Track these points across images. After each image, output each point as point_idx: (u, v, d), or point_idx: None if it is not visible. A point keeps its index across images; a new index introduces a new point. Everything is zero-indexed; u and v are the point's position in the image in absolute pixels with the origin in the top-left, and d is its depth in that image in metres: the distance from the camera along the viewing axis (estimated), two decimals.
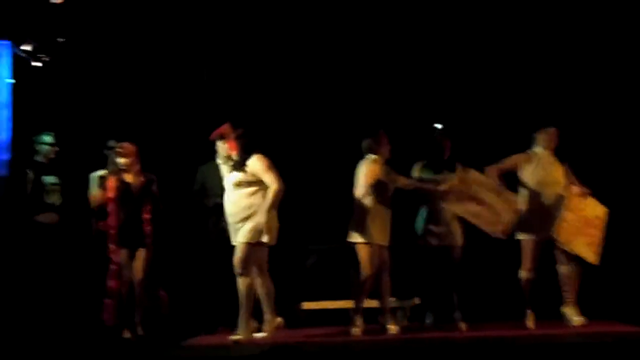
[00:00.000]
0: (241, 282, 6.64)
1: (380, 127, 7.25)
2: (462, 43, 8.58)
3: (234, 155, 6.78)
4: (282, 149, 7.66)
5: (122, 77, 8.17)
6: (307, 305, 8.05)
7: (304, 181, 8.29)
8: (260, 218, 6.54)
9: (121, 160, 7.29)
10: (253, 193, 6.65)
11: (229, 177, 6.79)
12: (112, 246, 7.22)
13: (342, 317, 7.41)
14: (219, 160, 7.49)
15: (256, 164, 6.65)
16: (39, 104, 7.82)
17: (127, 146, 7.33)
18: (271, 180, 6.60)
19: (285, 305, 7.55)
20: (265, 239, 6.58)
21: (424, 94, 8.62)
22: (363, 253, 7.03)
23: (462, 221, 7.26)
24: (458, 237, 7.33)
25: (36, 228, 7.38)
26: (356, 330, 7.01)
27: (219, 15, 8.30)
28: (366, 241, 7.02)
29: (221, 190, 7.13)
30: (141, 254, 7.31)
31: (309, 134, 8.56)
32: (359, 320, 7.07)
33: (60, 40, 7.80)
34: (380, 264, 7.11)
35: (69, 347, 6.77)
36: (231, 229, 6.77)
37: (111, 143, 7.39)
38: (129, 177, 7.32)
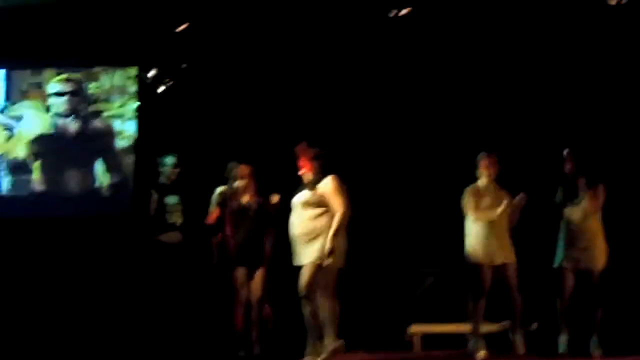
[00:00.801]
0: (305, 305, 6.54)
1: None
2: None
3: (307, 175, 6.72)
4: (389, 170, 7.66)
5: (241, 99, 8.33)
6: (417, 328, 7.98)
7: (411, 203, 8.24)
8: (326, 241, 6.43)
9: (237, 182, 7.50)
10: (320, 214, 6.50)
11: (298, 197, 6.69)
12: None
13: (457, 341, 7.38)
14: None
15: (328, 185, 6.52)
16: (164, 127, 8.09)
17: (243, 168, 7.50)
18: (337, 205, 6.44)
19: (396, 328, 7.57)
20: (330, 260, 6.46)
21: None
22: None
23: None
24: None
25: (159, 248, 7.65)
26: (481, 354, 6.93)
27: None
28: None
29: None
30: (260, 273, 7.47)
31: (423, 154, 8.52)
32: (480, 343, 7.00)
33: (184, 66, 8.07)
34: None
35: None
36: (297, 249, 6.64)
37: (231, 164, 7.63)
38: (245, 198, 7.49)
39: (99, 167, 8.40)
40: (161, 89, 8.16)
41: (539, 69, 8.17)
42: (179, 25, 8.07)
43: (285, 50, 8.20)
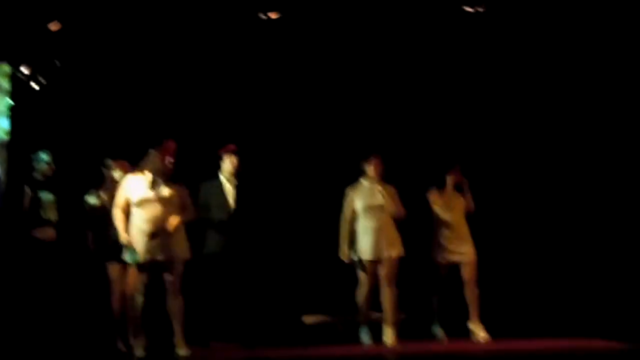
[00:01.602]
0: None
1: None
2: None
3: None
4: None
5: (117, 97, 8.47)
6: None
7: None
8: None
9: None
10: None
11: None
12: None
13: None
14: (223, 177, 7.83)
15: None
16: (38, 124, 8.13)
17: (122, 163, 7.65)
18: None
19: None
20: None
21: None
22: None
23: None
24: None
25: (33, 243, 7.67)
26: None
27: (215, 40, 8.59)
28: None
29: (225, 206, 7.57)
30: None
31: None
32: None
33: (58, 64, 8.13)
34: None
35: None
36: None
37: (108, 161, 7.74)
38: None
39: None
40: (35, 86, 8.16)
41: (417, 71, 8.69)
42: (52, 23, 8.12)
43: (158, 48, 8.39)
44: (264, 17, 8.23)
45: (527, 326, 8.16)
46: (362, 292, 7.66)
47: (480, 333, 7.74)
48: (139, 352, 7.02)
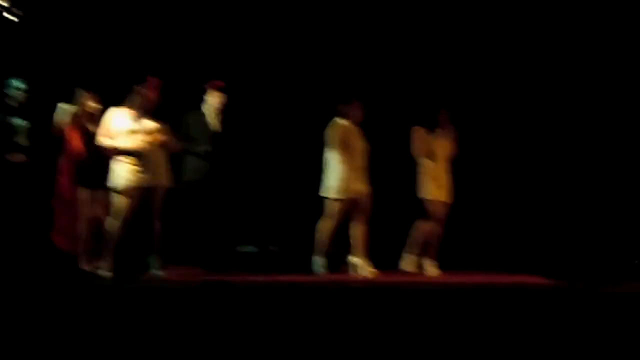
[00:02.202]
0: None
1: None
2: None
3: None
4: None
5: (93, 26, 8.83)
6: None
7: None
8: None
9: (88, 106, 7.94)
10: None
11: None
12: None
13: None
14: (205, 110, 8.20)
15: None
16: (12, 53, 8.47)
17: (93, 95, 7.93)
18: None
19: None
20: None
21: None
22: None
23: None
24: None
25: (4, 166, 8.05)
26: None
27: None
28: None
29: (208, 138, 8.02)
30: (104, 193, 7.81)
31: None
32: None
33: None
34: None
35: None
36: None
37: (79, 90, 7.99)
38: (90, 123, 7.93)
39: None
40: (12, 18, 8.49)
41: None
42: None
43: None
44: None
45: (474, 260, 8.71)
46: (330, 227, 8.11)
47: (432, 269, 8.30)
48: (105, 272, 7.49)
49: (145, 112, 7.53)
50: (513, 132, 9.19)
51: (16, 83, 8.09)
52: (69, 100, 8.01)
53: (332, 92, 8.65)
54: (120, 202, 7.54)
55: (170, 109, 7.82)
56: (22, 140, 8.09)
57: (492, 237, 8.96)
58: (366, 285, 7.66)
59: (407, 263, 8.37)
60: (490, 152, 9.20)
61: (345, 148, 8.01)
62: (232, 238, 8.72)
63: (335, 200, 8.06)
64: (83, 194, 7.95)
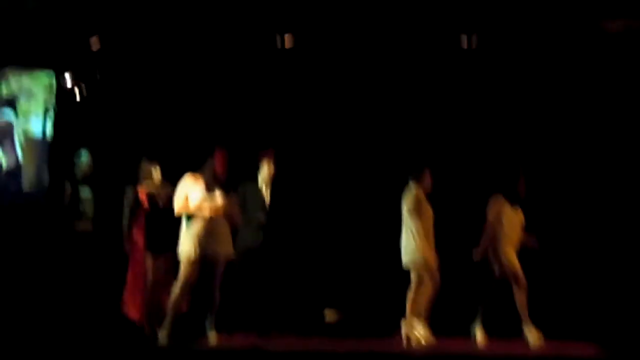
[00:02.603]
0: None
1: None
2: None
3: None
4: None
5: (154, 103, 9.23)
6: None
7: None
8: None
9: (154, 180, 8.24)
10: None
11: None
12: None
13: None
14: (261, 179, 8.36)
15: None
16: (80, 127, 8.94)
17: (157, 168, 8.23)
18: None
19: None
20: None
21: None
22: None
23: None
24: None
25: (72, 235, 8.42)
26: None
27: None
28: None
29: (261, 207, 8.26)
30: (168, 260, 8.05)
31: None
32: None
33: (98, 76, 8.98)
34: None
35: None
36: None
37: (144, 161, 8.29)
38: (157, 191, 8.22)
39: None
40: (77, 93, 8.99)
41: None
42: (93, 40, 8.96)
43: (191, 60, 9.13)
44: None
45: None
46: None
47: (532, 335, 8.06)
48: (163, 339, 7.70)
49: (216, 182, 7.84)
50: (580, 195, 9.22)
51: (84, 155, 8.53)
52: (134, 172, 8.36)
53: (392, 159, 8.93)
54: (184, 269, 7.77)
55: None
56: (88, 209, 8.49)
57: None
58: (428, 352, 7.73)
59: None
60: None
61: (418, 215, 8.09)
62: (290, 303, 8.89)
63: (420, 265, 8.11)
64: (150, 260, 8.22)
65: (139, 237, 8.20)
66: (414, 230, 7.95)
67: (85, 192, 8.52)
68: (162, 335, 7.70)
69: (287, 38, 8.98)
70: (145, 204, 8.14)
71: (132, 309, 8.20)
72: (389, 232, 8.20)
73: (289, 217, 8.45)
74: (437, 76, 9.25)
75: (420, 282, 7.94)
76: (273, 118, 9.35)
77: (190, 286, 7.75)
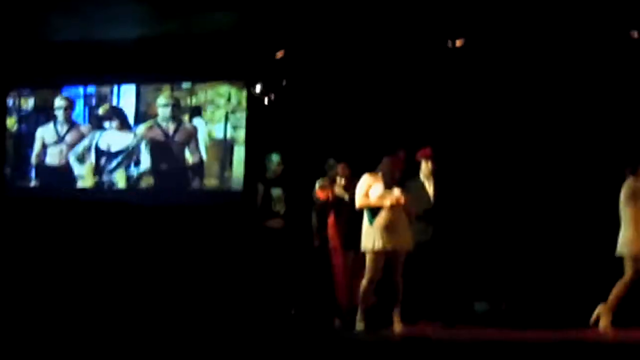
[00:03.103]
0: None
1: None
2: None
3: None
4: None
5: (330, 108, 9.75)
6: None
7: None
8: None
9: (338, 179, 8.73)
10: None
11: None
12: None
13: None
14: (422, 176, 8.74)
15: None
16: (272, 131, 9.61)
17: (343, 167, 8.71)
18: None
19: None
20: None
21: None
22: None
23: None
24: None
25: (265, 232, 9.02)
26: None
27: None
28: None
29: (425, 203, 8.60)
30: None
31: None
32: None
33: (284, 82, 9.62)
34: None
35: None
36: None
37: (330, 161, 8.83)
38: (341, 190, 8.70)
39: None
40: (266, 101, 9.69)
41: None
42: (279, 52, 9.67)
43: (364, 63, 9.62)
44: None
45: None
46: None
47: None
48: (360, 326, 8.16)
49: (394, 179, 8.23)
50: None
51: (274, 157, 9.13)
52: (321, 170, 8.90)
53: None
54: (370, 261, 8.17)
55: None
56: (279, 207, 9.10)
57: None
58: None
59: None
60: None
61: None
62: (466, 295, 9.10)
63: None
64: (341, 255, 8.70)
65: (332, 233, 8.70)
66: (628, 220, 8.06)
67: (277, 192, 9.12)
68: (359, 325, 8.16)
69: (458, 40, 9.32)
70: (324, 200, 8.66)
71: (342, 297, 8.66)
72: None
73: (454, 211, 8.72)
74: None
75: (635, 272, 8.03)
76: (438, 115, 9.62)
77: (377, 278, 8.14)
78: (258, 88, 9.78)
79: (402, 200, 8.11)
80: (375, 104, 9.62)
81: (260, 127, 9.75)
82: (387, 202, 8.06)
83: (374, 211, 8.10)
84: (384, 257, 8.11)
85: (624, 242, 8.04)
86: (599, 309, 8.10)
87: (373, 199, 8.13)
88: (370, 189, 8.15)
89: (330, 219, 8.72)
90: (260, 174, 9.20)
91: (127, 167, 10.64)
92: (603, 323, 8.04)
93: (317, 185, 8.80)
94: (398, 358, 7.11)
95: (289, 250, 9.05)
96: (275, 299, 8.90)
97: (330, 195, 8.71)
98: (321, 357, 7.15)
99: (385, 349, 7.46)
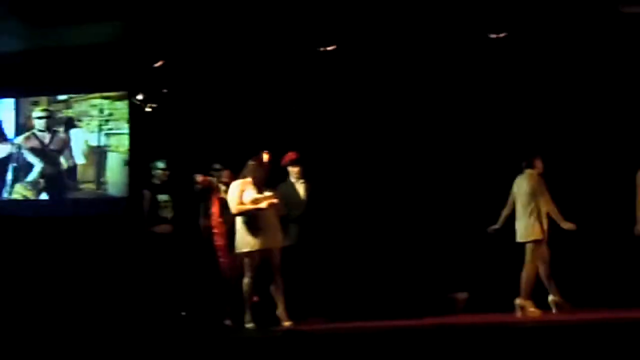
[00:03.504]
0: None
1: None
2: None
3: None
4: None
5: (214, 114, 10.12)
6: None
7: None
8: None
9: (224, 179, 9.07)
10: None
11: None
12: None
13: None
14: (293, 180, 9.17)
15: None
16: (154, 139, 9.88)
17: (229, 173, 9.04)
18: None
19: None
20: None
21: None
22: None
23: None
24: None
25: (153, 238, 9.24)
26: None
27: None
28: None
29: (299, 204, 9.05)
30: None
31: None
32: None
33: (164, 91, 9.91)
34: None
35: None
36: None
37: (216, 166, 9.13)
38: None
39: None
40: (148, 109, 9.94)
41: None
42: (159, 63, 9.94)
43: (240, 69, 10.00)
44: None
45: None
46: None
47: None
48: (249, 325, 8.52)
49: (262, 182, 8.62)
50: None
51: (159, 164, 9.38)
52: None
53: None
54: (247, 263, 8.58)
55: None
56: (167, 213, 9.34)
57: None
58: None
59: None
60: None
61: (535, 197, 8.72)
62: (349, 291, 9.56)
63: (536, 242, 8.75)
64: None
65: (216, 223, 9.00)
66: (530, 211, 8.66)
67: (163, 197, 9.34)
68: (249, 324, 8.53)
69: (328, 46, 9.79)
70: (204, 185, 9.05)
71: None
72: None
73: (326, 212, 9.18)
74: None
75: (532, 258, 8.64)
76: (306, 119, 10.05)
77: (254, 277, 8.54)
78: (139, 97, 10.01)
79: (276, 201, 8.56)
80: (248, 109, 10.02)
81: (143, 135, 9.96)
82: (263, 205, 8.47)
83: (246, 213, 8.52)
84: (259, 256, 8.53)
85: (524, 231, 8.67)
86: (519, 302, 8.65)
87: (248, 204, 8.50)
88: (243, 194, 8.53)
89: (215, 208, 9.01)
90: (146, 181, 9.44)
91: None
92: (529, 311, 8.59)
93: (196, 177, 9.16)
94: (288, 353, 7.45)
95: (177, 254, 9.28)
96: (165, 302, 9.11)
97: (210, 182, 9.05)
98: (214, 357, 7.34)
99: (274, 345, 7.42)
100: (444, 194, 9.71)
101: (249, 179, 8.57)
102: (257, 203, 8.49)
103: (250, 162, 8.63)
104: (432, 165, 9.77)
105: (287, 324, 8.49)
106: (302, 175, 9.18)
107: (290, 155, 9.15)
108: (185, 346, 7.62)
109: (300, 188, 9.17)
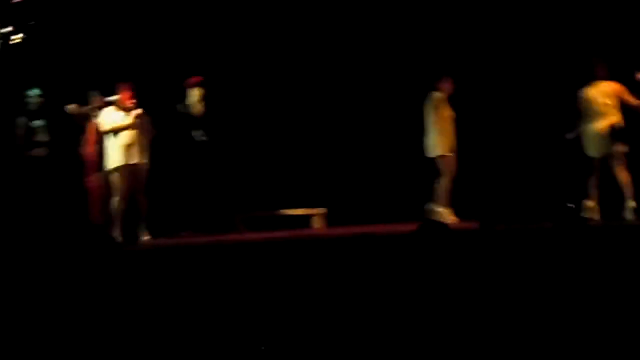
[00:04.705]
0: None
1: None
2: None
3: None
4: None
5: (85, 41, 10.70)
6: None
7: None
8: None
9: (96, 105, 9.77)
10: None
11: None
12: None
13: None
14: (190, 103, 10.12)
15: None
16: (27, 68, 10.35)
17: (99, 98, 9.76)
18: None
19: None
20: None
21: None
22: None
23: None
24: None
25: (29, 161, 9.84)
26: None
27: None
28: None
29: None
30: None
31: None
32: None
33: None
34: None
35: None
36: None
37: (92, 93, 9.81)
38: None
39: None
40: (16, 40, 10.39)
41: None
42: None
43: None
44: None
45: None
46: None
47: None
48: (118, 238, 9.31)
49: (126, 108, 9.51)
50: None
51: (33, 91, 9.88)
52: (82, 101, 9.87)
53: None
54: (118, 180, 9.49)
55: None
56: (42, 137, 9.88)
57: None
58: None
59: None
60: None
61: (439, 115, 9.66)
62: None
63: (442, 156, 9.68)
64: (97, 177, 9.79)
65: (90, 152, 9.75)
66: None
67: (38, 123, 9.86)
68: (116, 235, 9.34)
69: None
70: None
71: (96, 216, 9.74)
72: None
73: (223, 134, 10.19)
74: None
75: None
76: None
77: (124, 194, 9.40)
78: (7, 29, 10.42)
79: (137, 125, 9.45)
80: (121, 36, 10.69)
81: (14, 65, 10.42)
82: (129, 121, 9.38)
83: (116, 133, 9.40)
84: (128, 172, 9.40)
85: (432, 146, 9.70)
86: (441, 214, 9.47)
87: (113, 122, 9.41)
88: (110, 114, 9.45)
89: (90, 134, 9.74)
90: (21, 108, 9.95)
91: None
92: (450, 219, 9.39)
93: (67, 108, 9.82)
94: (165, 264, 7.64)
95: (54, 175, 9.86)
96: (45, 222, 9.55)
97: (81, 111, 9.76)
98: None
99: (146, 257, 8.20)
100: None
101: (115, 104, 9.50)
102: (124, 122, 9.42)
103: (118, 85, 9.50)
104: None
105: (147, 238, 9.43)
106: (204, 99, 10.09)
107: (195, 79, 10.05)
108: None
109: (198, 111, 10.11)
